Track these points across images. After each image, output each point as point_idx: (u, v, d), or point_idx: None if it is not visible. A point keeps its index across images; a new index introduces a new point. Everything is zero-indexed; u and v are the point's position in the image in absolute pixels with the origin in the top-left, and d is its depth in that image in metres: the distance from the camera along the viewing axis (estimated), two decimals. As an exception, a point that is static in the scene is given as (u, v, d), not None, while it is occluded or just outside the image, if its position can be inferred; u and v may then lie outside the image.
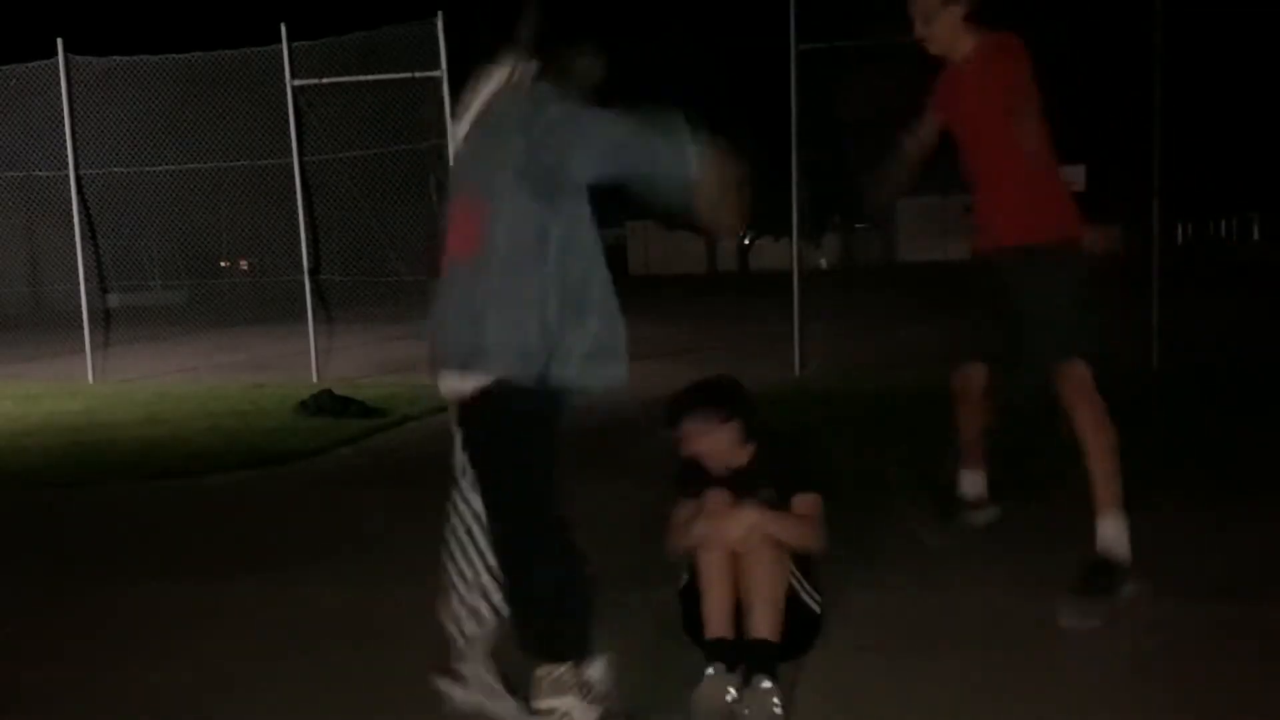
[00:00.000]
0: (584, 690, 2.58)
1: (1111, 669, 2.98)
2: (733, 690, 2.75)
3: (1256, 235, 51.27)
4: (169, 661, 3.31)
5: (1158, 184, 8.96)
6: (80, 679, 3.21)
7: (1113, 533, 3.41)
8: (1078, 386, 3.52)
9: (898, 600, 3.58)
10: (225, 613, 3.75)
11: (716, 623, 2.88)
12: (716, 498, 3.03)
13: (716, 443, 3.14)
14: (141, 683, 3.16)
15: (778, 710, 2.70)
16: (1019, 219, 3.53)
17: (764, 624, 2.83)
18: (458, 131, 2.59)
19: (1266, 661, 2.99)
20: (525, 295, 2.43)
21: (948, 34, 3.58)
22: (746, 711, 2.70)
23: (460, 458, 2.64)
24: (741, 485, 3.06)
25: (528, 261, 2.43)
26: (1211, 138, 30.39)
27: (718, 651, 2.84)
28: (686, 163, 2.34)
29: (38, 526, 5.20)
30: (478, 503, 2.64)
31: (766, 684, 2.72)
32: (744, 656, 2.81)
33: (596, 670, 2.61)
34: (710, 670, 2.80)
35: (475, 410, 2.52)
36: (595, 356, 2.55)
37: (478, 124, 2.53)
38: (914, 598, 3.58)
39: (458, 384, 2.52)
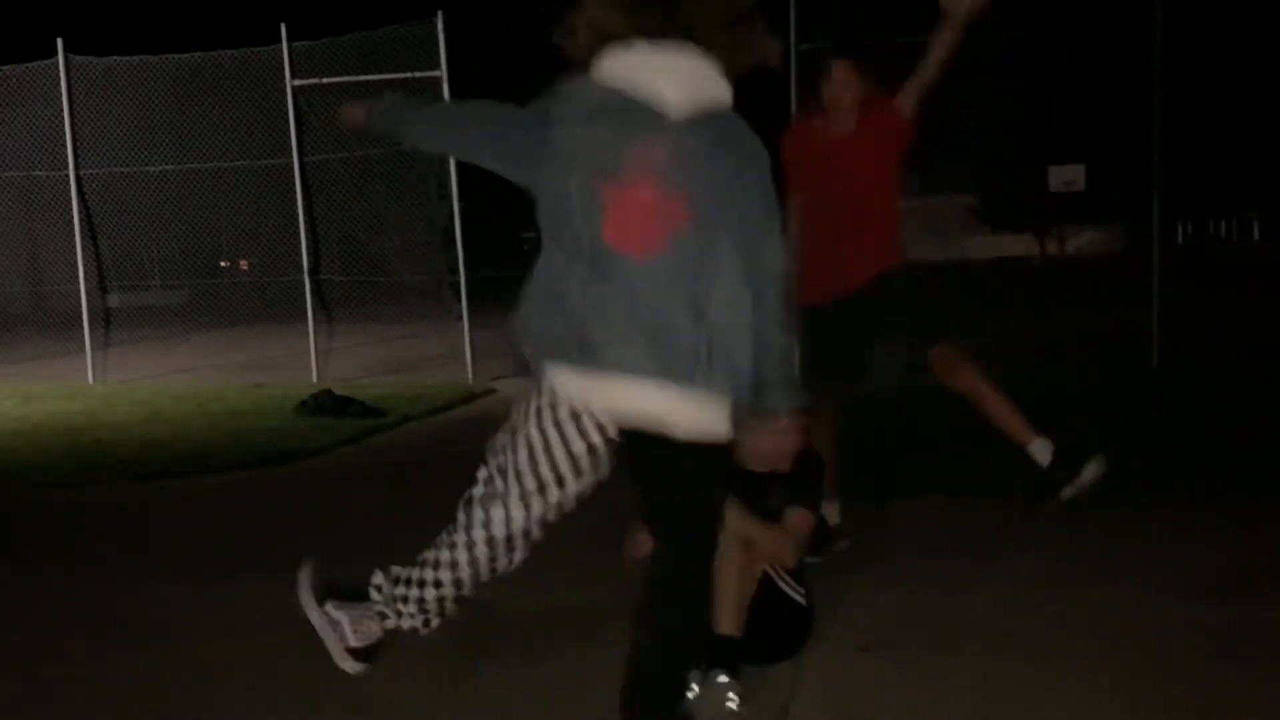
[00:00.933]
0: None
1: (1111, 668, 2.97)
2: (735, 696, 2.75)
3: (1256, 235, 51.27)
4: (169, 661, 3.31)
5: (1158, 184, 8.95)
6: (80, 679, 3.21)
7: (1042, 447, 3.94)
8: (954, 359, 3.95)
9: (898, 600, 3.58)
10: (225, 613, 3.75)
11: (727, 620, 2.86)
12: None
13: (780, 443, 3.07)
14: (141, 683, 3.16)
15: (732, 704, 2.69)
16: (875, 259, 3.94)
17: (728, 618, 2.84)
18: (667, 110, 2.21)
19: (1266, 661, 2.99)
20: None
21: (852, 106, 3.89)
22: (702, 705, 2.69)
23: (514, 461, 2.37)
24: (770, 489, 3.08)
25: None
26: (1211, 138, 30.40)
27: (724, 652, 2.82)
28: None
29: (38, 526, 5.20)
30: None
31: (722, 678, 2.73)
32: (708, 654, 2.81)
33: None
34: (721, 678, 2.79)
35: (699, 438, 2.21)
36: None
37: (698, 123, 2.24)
38: (914, 598, 3.58)
39: (653, 399, 2.19)
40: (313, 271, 10.41)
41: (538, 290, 2.32)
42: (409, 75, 9.52)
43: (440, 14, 9.30)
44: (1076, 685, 2.88)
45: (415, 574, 2.49)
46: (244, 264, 18.07)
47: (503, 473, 2.37)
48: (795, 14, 9.00)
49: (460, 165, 9.56)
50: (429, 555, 2.48)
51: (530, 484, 2.36)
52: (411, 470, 6.07)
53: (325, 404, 7.80)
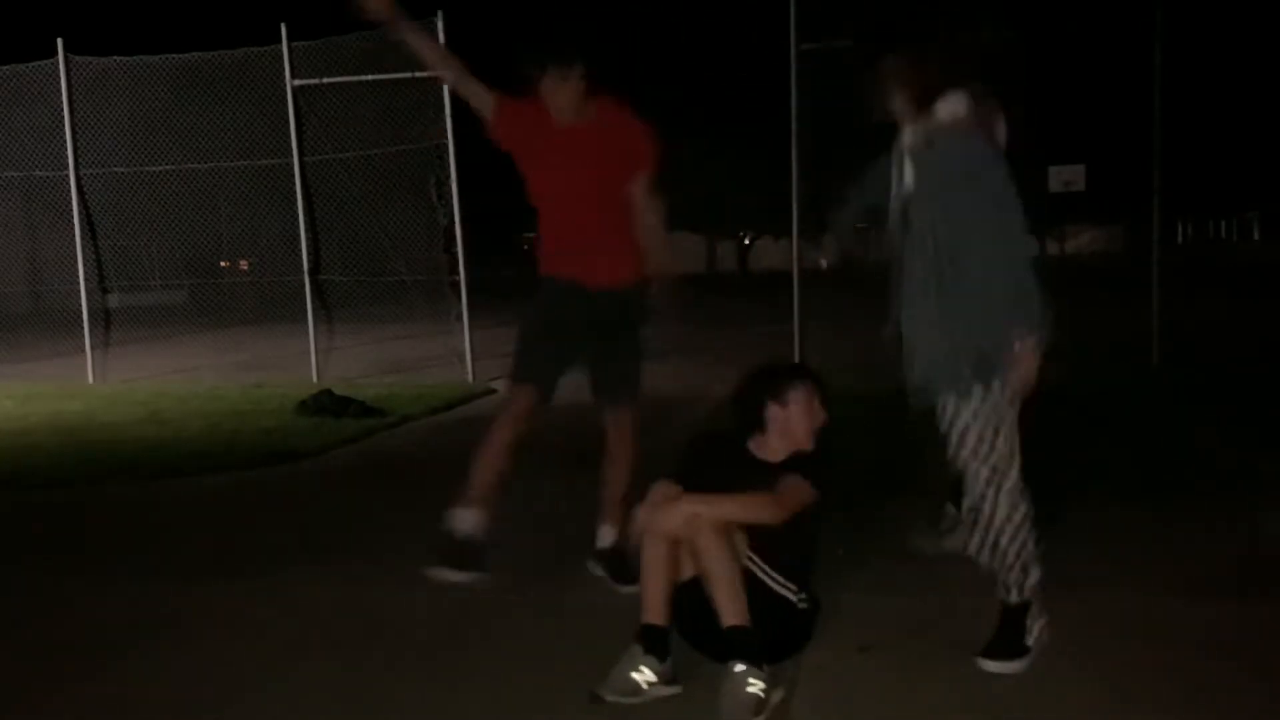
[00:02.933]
0: None
1: (1109, 668, 2.97)
2: (648, 671, 2.81)
3: (1256, 235, 51.28)
4: (169, 661, 3.31)
5: (1158, 184, 8.95)
6: (80, 679, 3.20)
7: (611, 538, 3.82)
8: (632, 429, 4.00)
9: (898, 600, 3.58)
10: (224, 613, 3.75)
11: (650, 609, 2.93)
12: (659, 489, 3.06)
13: (814, 419, 3.20)
14: (141, 683, 3.16)
15: (753, 690, 2.69)
16: (619, 264, 3.87)
17: (729, 610, 2.84)
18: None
19: (1264, 661, 2.99)
20: None
21: (576, 99, 3.74)
22: (719, 700, 2.70)
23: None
24: (784, 471, 3.09)
25: None
26: (1211, 138, 30.40)
27: (647, 636, 2.88)
28: None
29: (38, 526, 5.20)
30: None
31: (740, 667, 2.73)
32: (724, 648, 2.82)
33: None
34: (633, 648, 2.86)
35: None
36: None
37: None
38: (914, 598, 3.58)
39: None
40: (313, 271, 10.41)
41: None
42: (409, 75, 9.52)
43: (440, 14, 9.29)
44: (1077, 684, 2.88)
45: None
46: (244, 264, 18.08)
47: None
48: (795, 14, 9.01)
49: (460, 165, 9.57)
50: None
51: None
52: (411, 470, 6.07)
53: (325, 404, 7.79)
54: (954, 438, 3.05)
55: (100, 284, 11.52)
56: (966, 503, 3.11)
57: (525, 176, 3.89)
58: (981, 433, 2.99)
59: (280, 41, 9.96)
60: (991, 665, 2.97)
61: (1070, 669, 2.98)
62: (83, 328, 11.04)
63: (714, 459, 3.21)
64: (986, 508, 3.01)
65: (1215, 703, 2.76)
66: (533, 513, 4.69)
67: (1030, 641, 3.02)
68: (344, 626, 3.57)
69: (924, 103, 2.95)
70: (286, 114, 10.09)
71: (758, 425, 3.21)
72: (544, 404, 3.90)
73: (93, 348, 11.01)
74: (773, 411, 3.19)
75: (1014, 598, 3.04)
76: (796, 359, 9.42)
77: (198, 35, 13.33)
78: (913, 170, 3.00)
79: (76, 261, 11.02)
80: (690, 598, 2.96)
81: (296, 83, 10.01)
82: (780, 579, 3.03)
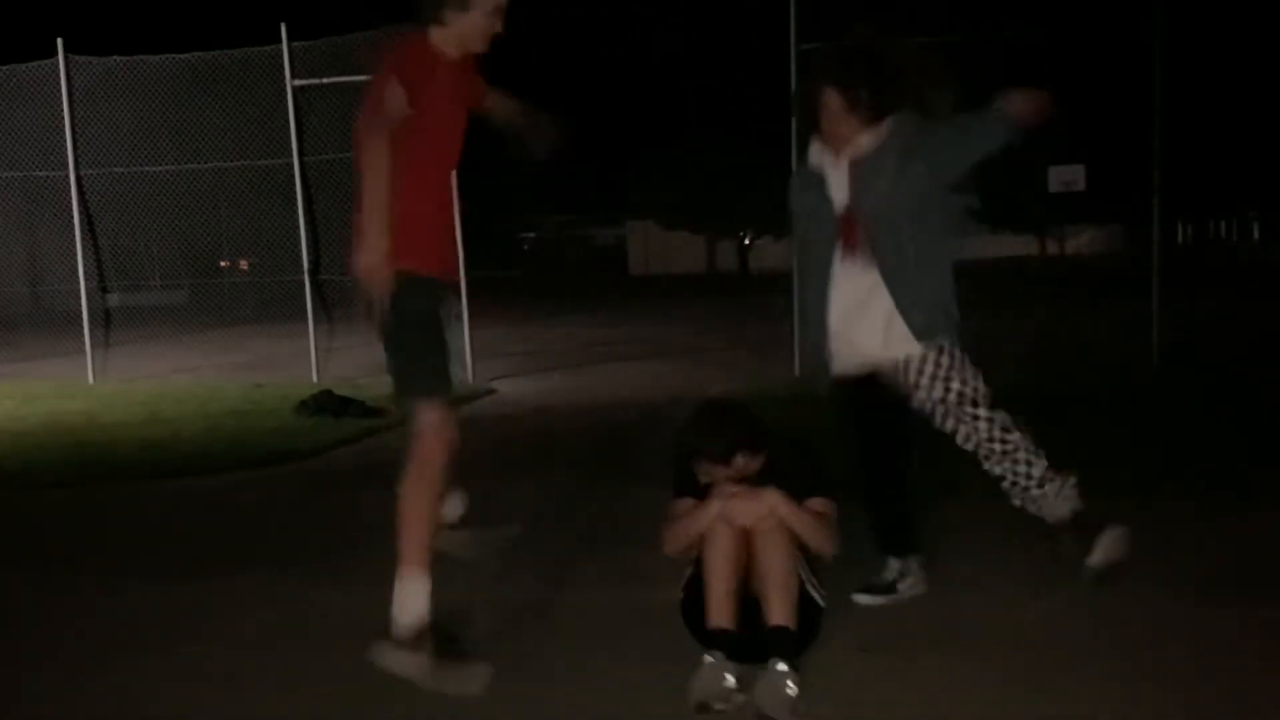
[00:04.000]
0: None
1: (1111, 668, 2.97)
2: (730, 677, 2.77)
3: (1256, 235, 51.28)
4: (168, 661, 3.31)
5: (1158, 184, 8.95)
6: (80, 679, 3.20)
7: (402, 597, 3.08)
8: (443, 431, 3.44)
9: (898, 600, 3.57)
10: (224, 613, 3.75)
11: (719, 612, 2.89)
12: (684, 504, 3.08)
13: (731, 475, 3.10)
14: (141, 683, 3.16)
15: (791, 692, 2.69)
16: (451, 250, 3.70)
17: (780, 611, 2.85)
18: None
19: (1265, 661, 2.99)
20: None
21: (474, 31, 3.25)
22: (758, 694, 2.70)
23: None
24: (787, 483, 3.07)
25: None
26: (1211, 138, 30.41)
27: (718, 641, 2.84)
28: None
29: (38, 526, 5.20)
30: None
31: (782, 666, 2.73)
32: (762, 645, 2.81)
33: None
34: (708, 658, 2.81)
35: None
36: None
37: None
38: (914, 598, 3.58)
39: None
40: (313, 271, 10.40)
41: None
42: (409, 75, 9.51)
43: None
44: (1077, 685, 2.88)
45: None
46: (244, 264, 18.07)
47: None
48: (795, 14, 9.00)
49: (460, 165, 9.56)
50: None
51: None
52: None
53: (325, 404, 7.80)
54: (943, 400, 3.47)
55: (100, 284, 11.52)
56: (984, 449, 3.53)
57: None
58: (964, 378, 3.46)
59: (280, 41, 9.96)
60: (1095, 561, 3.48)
61: (1071, 669, 2.98)
62: (83, 328, 11.04)
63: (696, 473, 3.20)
64: (998, 446, 3.52)
65: (1216, 702, 2.76)
66: (533, 513, 4.69)
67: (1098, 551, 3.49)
68: (344, 626, 3.56)
69: (877, 119, 3.35)
70: (286, 114, 10.09)
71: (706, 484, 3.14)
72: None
73: (93, 348, 11.01)
74: (710, 475, 3.13)
75: (1064, 511, 3.55)
76: (796, 359, 9.43)
77: (198, 35, 13.35)
78: (853, 175, 3.40)
79: (76, 261, 11.02)
80: (697, 593, 2.97)
81: (296, 83, 10.01)
82: (816, 581, 3.07)
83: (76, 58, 10.74)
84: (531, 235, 53.90)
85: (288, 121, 10.11)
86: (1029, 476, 3.52)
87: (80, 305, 11.07)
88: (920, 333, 3.36)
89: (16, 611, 3.88)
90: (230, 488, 5.76)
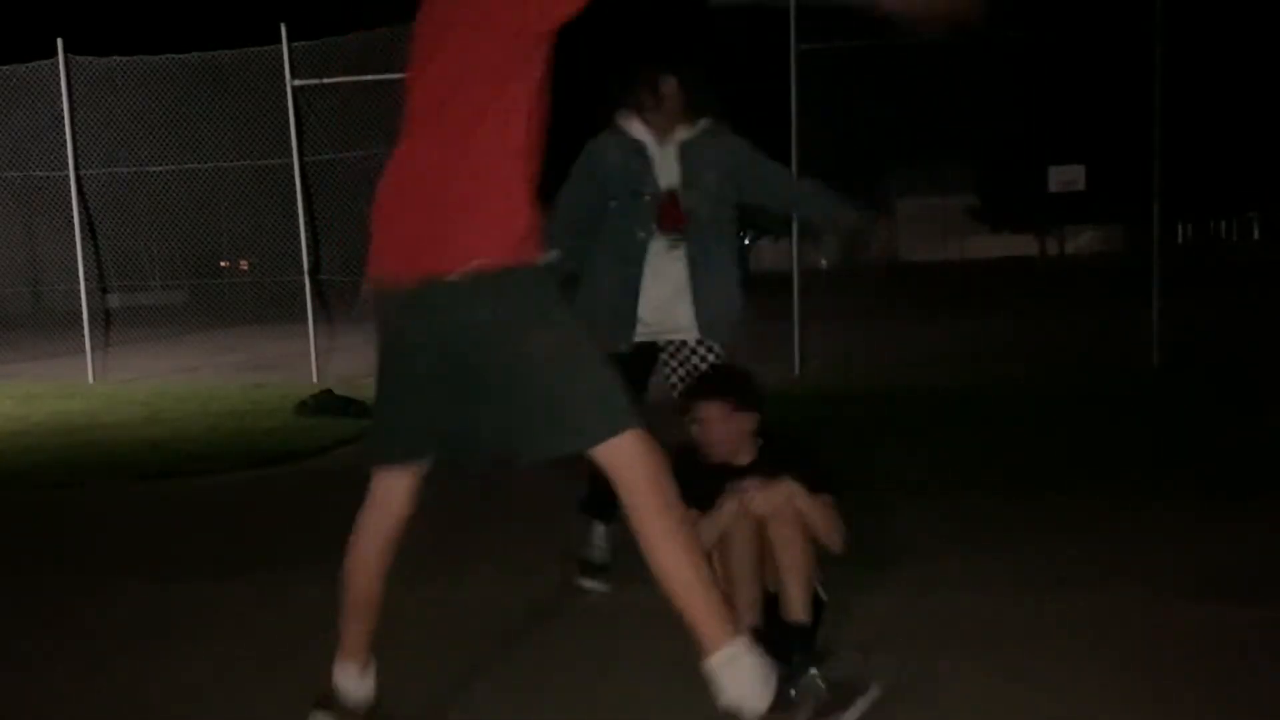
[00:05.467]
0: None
1: (1111, 668, 2.97)
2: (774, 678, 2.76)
3: (1256, 235, 51.31)
4: (168, 662, 3.31)
5: (1158, 184, 8.95)
6: (80, 679, 3.20)
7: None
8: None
9: (898, 600, 3.57)
10: (224, 613, 3.75)
11: (750, 615, 2.87)
12: (742, 481, 3.02)
13: (728, 432, 3.09)
14: (141, 683, 3.16)
15: (823, 685, 2.69)
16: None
17: (799, 604, 2.85)
18: None
19: (1266, 661, 2.99)
20: None
21: None
22: (794, 693, 2.68)
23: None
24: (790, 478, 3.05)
25: None
26: (1211, 138, 30.41)
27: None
28: None
29: (38, 526, 5.20)
30: None
31: (814, 670, 2.72)
32: (781, 641, 2.80)
33: None
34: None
35: None
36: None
37: None
38: (914, 598, 3.58)
39: None
40: (313, 271, 10.40)
41: None
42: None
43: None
44: (1078, 685, 2.88)
45: None
46: (244, 264, 18.07)
47: None
48: (795, 14, 9.00)
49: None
50: None
51: None
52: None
53: (325, 404, 7.80)
54: (688, 374, 3.67)
55: (100, 284, 11.53)
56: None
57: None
58: None
59: (280, 41, 9.96)
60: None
61: (1071, 669, 2.98)
62: (83, 328, 11.04)
63: (691, 473, 3.19)
64: None
65: (1216, 703, 2.76)
66: (533, 513, 4.69)
67: None
68: (344, 626, 3.56)
69: (696, 116, 3.62)
70: (286, 114, 10.09)
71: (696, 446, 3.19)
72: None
73: (93, 348, 11.02)
74: (695, 431, 3.15)
75: None
76: (796, 359, 9.44)
77: (197, 35, 13.35)
78: (683, 160, 3.61)
79: (76, 261, 11.02)
80: None
81: (296, 83, 10.01)
82: (820, 577, 3.07)
83: (76, 58, 10.75)
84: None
85: (288, 121, 10.11)
86: None
87: (80, 305, 11.08)
88: (713, 321, 3.66)
89: (17, 611, 3.88)
90: (230, 488, 5.76)
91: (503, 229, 2.29)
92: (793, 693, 2.70)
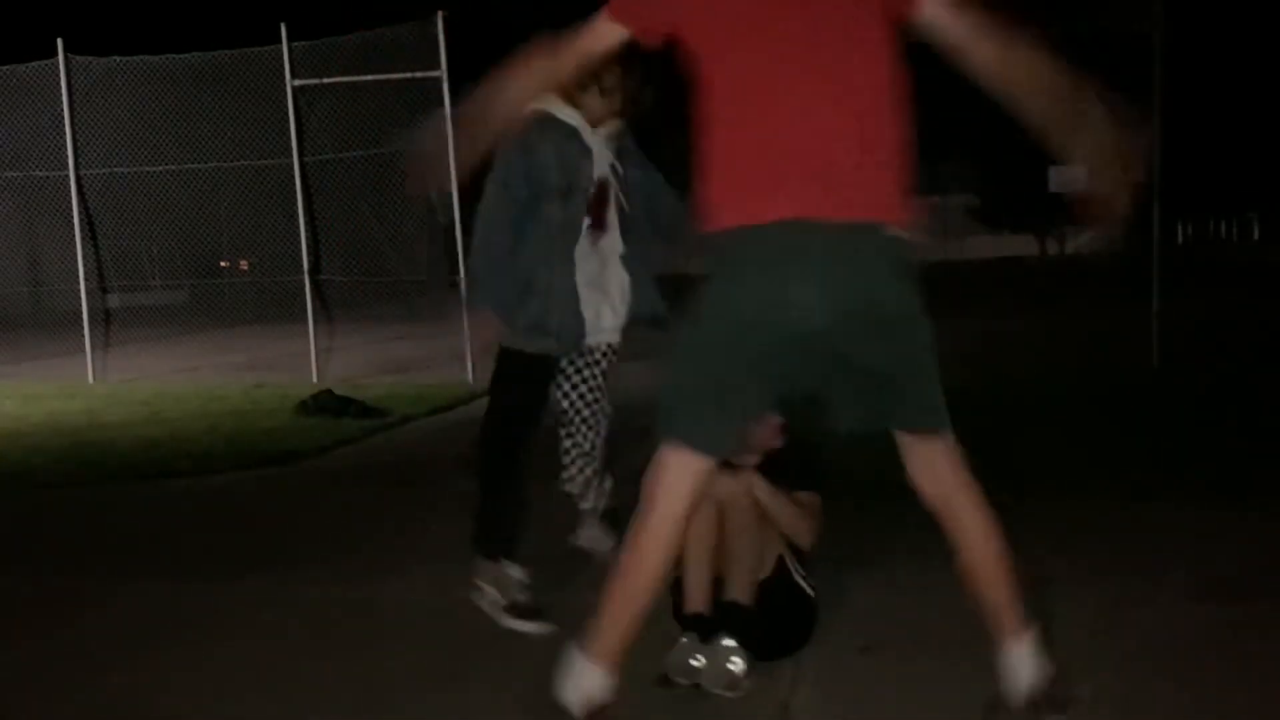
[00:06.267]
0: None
1: (1111, 668, 2.97)
2: (701, 658, 2.82)
3: (1256, 235, 51.30)
4: (168, 661, 3.31)
5: (1158, 184, 8.95)
6: (80, 679, 3.20)
7: None
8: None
9: (898, 600, 3.58)
10: (225, 613, 3.75)
11: (695, 598, 2.95)
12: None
13: (776, 437, 3.18)
14: (141, 683, 3.16)
15: (734, 668, 2.75)
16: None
17: (737, 587, 2.90)
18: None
19: (1266, 661, 2.99)
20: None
21: None
22: (703, 670, 2.74)
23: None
24: (766, 474, 3.08)
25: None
26: (1211, 138, 30.40)
27: (692, 625, 2.91)
28: None
29: (38, 526, 5.20)
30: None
31: (728, 642, 2.78)
32: (717, 620, 2.87)
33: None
34: (684, 639, 2.87)
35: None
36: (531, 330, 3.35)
37: None
38: (914, 598, 3.58)
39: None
40: (313, 271, 10.40)
41: None
42: (409, 75, 9.52)
43: (440, 14, 9.29)
44: (1076, 684, 2.88)
45: None
46: (244, 264, 18.08)
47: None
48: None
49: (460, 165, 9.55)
50: None
51: None
52: (412, 470, 6.07)
53: (325, 404, 7.80)
54: (596, 383, 3.62)
55: (100, 284, 11.53)
56: (583, 445, 3.66)
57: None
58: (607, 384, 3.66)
59: (280, 41, 9.96)
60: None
61: (1071, 668, 2.97)
62: (83, 328, 11.04)
63: None
64: (597, 447, 3.67)
65: (1217, 702, 2.76)
66: (533, 513, 4.69)
67: None
68: (344, 626, 3.56)
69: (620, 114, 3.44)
70: (286, 114, 10.09)
71: None
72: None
73: (93, 348, 11.01)
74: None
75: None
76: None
77: (198, 35, 13.34)
78: (610, 155, 3.45)
79: (76, 261, 11.02)
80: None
81: (296, 83, 10.01)
82: (805, 574, 3.10)
83: (76, 58, 10.75)
84: (531, 235, 53.66)
85: (288, 121, 10.11)
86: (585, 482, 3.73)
87: (80, 305, 11.08)
88: (623, 320, 3.57)
89: (16, 612, 3.88)
90: (230, 488, 5.76)
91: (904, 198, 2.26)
92: (699, 659, 2.74)
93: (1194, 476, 5.03)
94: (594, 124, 3.38)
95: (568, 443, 3.69)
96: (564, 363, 3.57)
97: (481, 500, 3.49)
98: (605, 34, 2.39)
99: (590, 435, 3.64)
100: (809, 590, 3.10)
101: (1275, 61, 28.32)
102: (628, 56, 3.06)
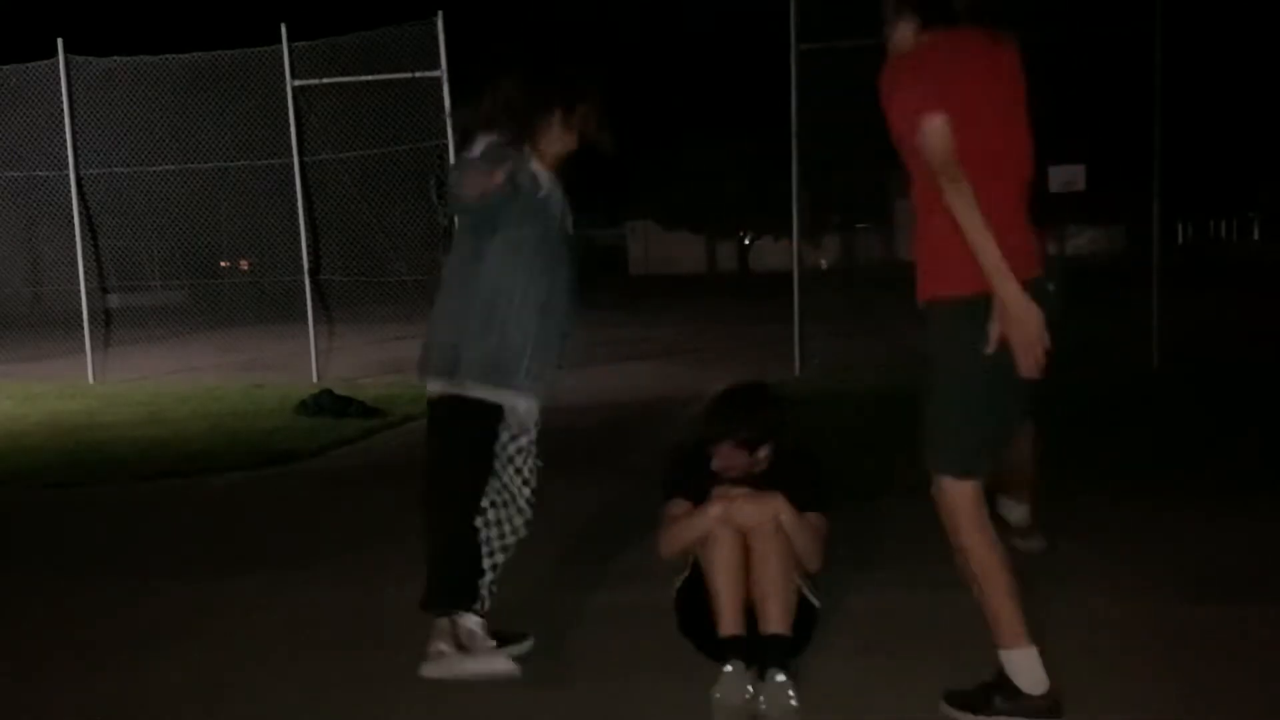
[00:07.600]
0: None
1: (1111, 668, 2.97)
2: (749, 687, 2.76)
3: (1256, 235, 51.31)
4: (169, 661, 3.31)
5: (1158, 184, 8.95)
6: (80, 679, 3.20)
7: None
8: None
9: (898, 600, 3.58)
10: (225, 613, 3.75)
11: (731, 620, 2.88)
12: (678, 505, 3.09)
13: (741, 461, 3.11)
14: (141, 682, 3.16)
15: (794, 703, 2.71)
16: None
17: (777, 618, 2.85)
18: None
19: (1265, 661, 2.99)
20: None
21: None
22: (763, 706, 2.70)
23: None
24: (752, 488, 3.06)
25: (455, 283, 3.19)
26: (1211, 138, 30.40)
27: (734, 649, 2.83)
28: None
29: (38, 526, 5.20)
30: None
31: (781, 677, 2.74)
32: (759, 652, 2.82)
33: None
34: (728, 668, 2.79)
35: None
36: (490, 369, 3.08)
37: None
38: (914, 598, 3.58)
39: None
40: (313, 271, 10.40)
41: None
42: (409, 75, 9.52)
43: (440, 14, 9.30)
44: (1077, 684, 2.88)
45: None
46: (244, 264, 18.06)
47: None
48: (795, 14, 9.00)
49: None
50: None
51: None
52: (412, 470, 6.04)
53: (325, 404, 7.80)
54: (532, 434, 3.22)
55: (100, 284, 11.52)
56: (529, 495, 3.25)
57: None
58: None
59: (280, 41, 9.96)
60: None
61: (1071, 668, 2.97)
62: (83, 328, 11.04)
63: (692, 466, 3.19)
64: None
65: (1216, 703, 2.76)
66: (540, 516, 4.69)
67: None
68: (344, 626, 3.57)
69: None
70: (286, 114, 10.10)
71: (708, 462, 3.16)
72: None
73: (93, 348, 11.01)
74: (725, 454, 3.13)
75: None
76: (796, 359, 9.43)
77: (198, 35, 13.34)
78: (563, 198, 3.31)
79: (76, 261, 11.02)
80: (692, 595, 2.97)
81: (296, 83, 10.01)
82: (810, 585, 3.08)
83: (76, 58, 10.75)
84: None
85: (288, 121, 10.11)
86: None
87: (80, 305, 11.07)
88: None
89: (16, 612, 3.88)
90: (230, 488, 5.76)
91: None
92: (761, 700, 2.72)
93: (1193, 476, 5.04)
94: (546, 164, 3.19)
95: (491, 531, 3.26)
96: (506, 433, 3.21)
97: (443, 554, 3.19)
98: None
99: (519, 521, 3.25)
100: (815, 602, 3.09)
101: (1275, 61, 28.32)
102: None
